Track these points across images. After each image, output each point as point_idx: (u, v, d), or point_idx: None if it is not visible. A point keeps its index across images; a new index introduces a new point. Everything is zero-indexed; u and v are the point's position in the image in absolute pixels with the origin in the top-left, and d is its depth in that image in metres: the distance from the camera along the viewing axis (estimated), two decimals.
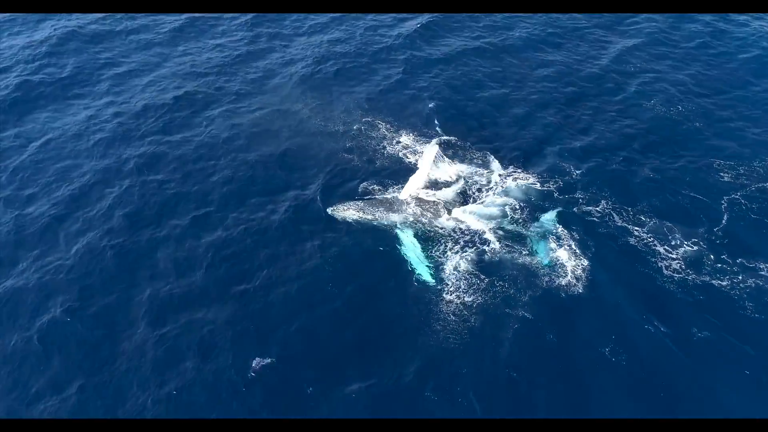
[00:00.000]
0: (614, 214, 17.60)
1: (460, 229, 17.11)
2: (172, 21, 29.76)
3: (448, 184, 18.97)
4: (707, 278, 15.60)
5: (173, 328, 14.78)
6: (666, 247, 16.49)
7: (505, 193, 18.47)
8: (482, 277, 15.57)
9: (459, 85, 24.39)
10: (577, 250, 16.29)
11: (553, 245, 16.47)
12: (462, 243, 16.65)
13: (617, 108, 22.90)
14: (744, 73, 24.87)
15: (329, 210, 17.79)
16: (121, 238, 17.39)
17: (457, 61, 25.95)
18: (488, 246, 16.49)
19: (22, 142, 21.87)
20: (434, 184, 18.94)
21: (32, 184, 19.83)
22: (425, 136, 21.35)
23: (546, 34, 27.90)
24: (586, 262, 15.94)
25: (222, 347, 14.34)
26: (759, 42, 26.97)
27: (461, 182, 18.99)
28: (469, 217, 17.40)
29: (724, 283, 15.45)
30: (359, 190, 18.82)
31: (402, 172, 19.47)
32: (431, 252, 16.38)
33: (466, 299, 14.99)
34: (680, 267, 15.90)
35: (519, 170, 19.55)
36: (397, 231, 17.04)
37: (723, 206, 17.92)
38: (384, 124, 22.10)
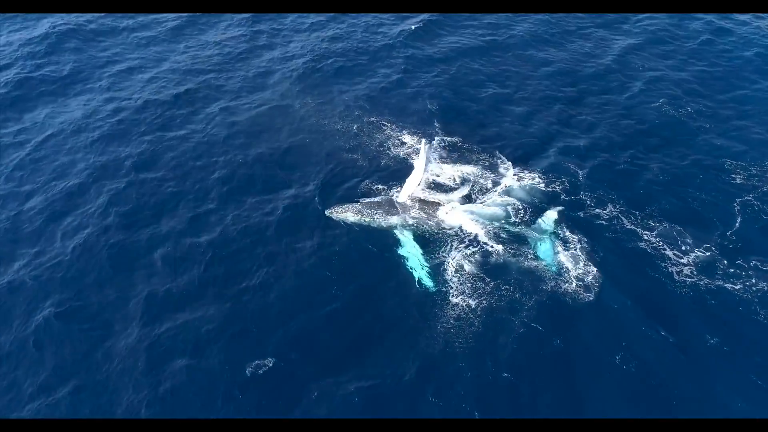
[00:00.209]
0: (622, 218, 17.10)
1: (463, 230, 16.71)
2: (172, 18, 29.66)
3: (449, 185, 18.56)
4: (720, 283, 15.11)
5: (170, 327, 14.57)
6: (676, 251, 15.97)
7: (509, 193, 18.05)
8: (487, 280, 15.19)
9: (460, 84, 24.06)
10: (585, 255, 15.82)
11: (559, 249, 16.03)
12: (465, 245, 16.25)
13: (621, 107, 22.48)
14: (748, 72, 24.44)
15: (327, 212, 17.50)
16: (117, 236, 17.21)
17: (458, 60, 25.62)
18: (492, 248, 16.09)
19: (21, 138, 21.78)
20: (435, 185, 18.51)
21: (30, 181, 19.71)
22: (426, 135, 20.96)
23: (548, 33, 27.55)
24: (594, 268, 15.46)
25: (220, 347, 14.13)
26: (761, 40, 26.54)
27: (463, 183, 18.57)
28: (472, 218, 16.98)
29: (737, 287, 14.95)
30: (358, 191, 18.51)
31: (402, 172, 19.13)
32: (434, 254, 16.04)
33: (470, 302, 14.62)
34: (692, 272, 15.39)
35: (523, 170, 19.13)
36: (397, 233, 16.71)
37: (736, 208, 17.39)
38: (384, 123, 21.79)
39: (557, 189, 18.27)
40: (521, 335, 13.96)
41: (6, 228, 17.90)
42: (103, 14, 29.63)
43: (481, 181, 18.64)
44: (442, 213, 17.16)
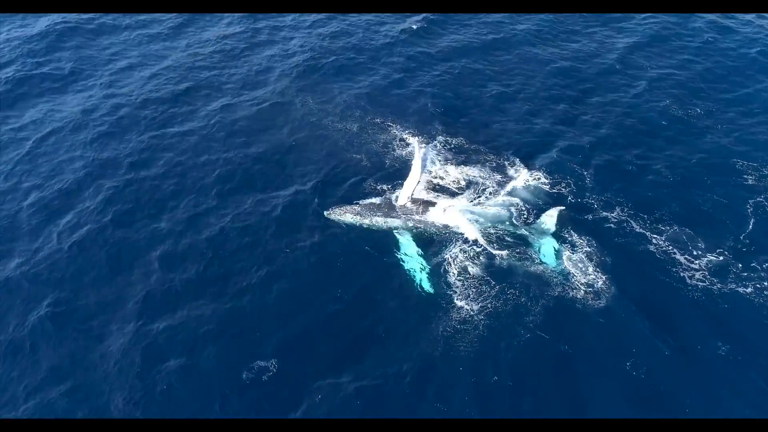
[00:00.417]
0: (631, 221, 16.65)
1: (466, 232, 16.30)
2: (173, 17, 29.43)
3: (453, 187, 18.16)
4: (733, 286, 14.68)
5: (167, 327, 14.42)
6: (687, 256, 15.51)
7: (513, 194, 17.67)
8: (492, 283, 14.87)
9: (462, 83, 23.70)
10: (593, 260, 15.40)
11: (567, 253, 15.62)
12: (467, 247, 15.88)
13: (626, 107, 22.04)
14: (753, 71, 24.00)
15: (326, 213, 17.21)
16: (115, 235, 17.08)
17: (460, 59, 25.25)
18: (495, 250, 15.74)
19: (21, 136, 21.65)
20: (439, 187, 18.14)
21: (29, 179, 19.62)
22: (427, 135, 20.62)
23: (550, 32, 27.15)
24: (602, 274, 15.03)
25: (218, 347, 13.97)
26: (766, 39, 26.09)
27: (468, 184, 18.19)
28: (475, 219, 16.60)
29: (748, 291, 14.54)
30: (358, 192, 18.18)
31: (403, 173, 18.79)
32: (436, 256, 15.71)
33: (473, 306, 14.29)
34: (703, 277, 14.96)
35: (527, 171, 18.73)
36: (397, 235, 16.42)
37: (749, 210, 16.97)
38: (385, 123, 21.46)
39: (563, 191, 17.87)
40: (525, 340, 13.64)
41: (4, 226, 17.78)
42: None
43: (485, 182, 18.25)
44: (443, 215, 16.77)
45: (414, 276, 15.16)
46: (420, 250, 15.89)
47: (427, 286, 14.86)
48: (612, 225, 16.58)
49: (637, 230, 16.36)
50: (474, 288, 14.71)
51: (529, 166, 18.92)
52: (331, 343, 13.92)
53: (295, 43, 26.88)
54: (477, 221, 16.55)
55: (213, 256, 16.16)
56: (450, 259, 15.53)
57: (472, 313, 14.14)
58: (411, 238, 16.25)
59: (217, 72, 25.02)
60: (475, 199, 17.57)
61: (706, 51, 25.31)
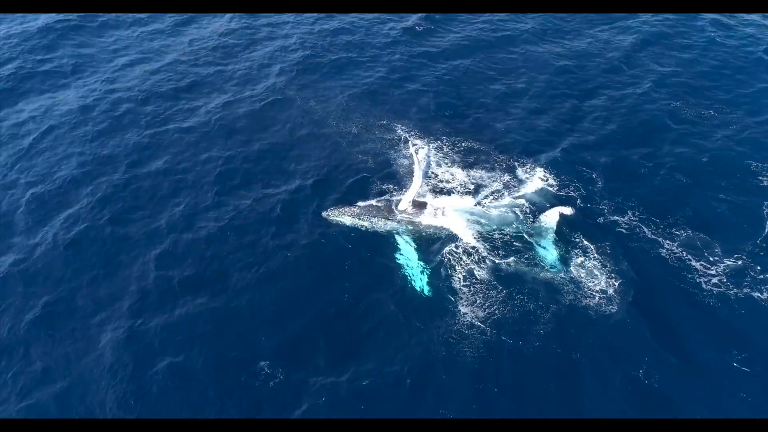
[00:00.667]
0: (643, 226, 16.21)
1: (469, 235, 15.94)
2: (174, 14, 29.24)
3: (455, 188, 17.74)
4: (748, 291, 14.23)
5: (163, 326, 14.24)
6: (703, 262, 15.05)
7: (519, 197, 17.27)
8: (494, 284, 14.59)
9: (465, 83, 23.45)
10: (606, 266, 14.96)
11: (580, 259, 15.18)
12: (470, 250, 15.49)
13: (633, 108, 21.71)
14: (759, 70, 23.67)
15: (324, 214, 16.93)
16: (111, 232, 16.96)
17: (462, 58, 25.01)
18: (499, 253, 15.36)
19: (20, 131, 21.59)
20: (444, 190, 17.73)
21: (27, 174, 19.68)
22: (430, 134, 20.28)
23: (553, 31, 26.97)
24: (615, 280, 14.62)
25: (215, 347, 13.78)
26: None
27: (470, 186, 17.77)
28: (479, 222, 16.22)
29: (764, 297, 14.07)
30: (357, 192, 17.89)
31: (403, 174, 18.50)
32: (437, 259, 15.34)
33: (479, 314, 13.92)
34: (720, 282, 14.51)
35: (533, 173, 18.35)
36: (397, 238, 16.09)
37: (765, 212, 16.50)
38: (386, 122, 21.16)
39: (572, 194, 17.45)
40: (539, 348, 13.29)
41: (0, 223, 17.66)
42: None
43: (491, 183, 17.86)
44: (445, 217, 16.38)
45: (414, 279, 14.88)
46: (420, 253, 15.59)
47: (426, 289, 14.57)
48: (624, 230, 16.14)
49: (650, 236, 15.92)
50: (481, 294, 14.37)
51: (536, 168, 18.53)
52: (330, 344, 13.72)
53: (296, 41, 26.56)
54: (481, 224, 16.17)
55: (210, 255, 16.07)
56: (451, 261, 15.19)
57: (474, 317, 13.86)
58: (411, 241, 15.92)
59: (218, 69, 24.85)
60: (480, 201, 17.16)
61: (711, 50, 25.02)
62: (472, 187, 17.78)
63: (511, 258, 15.24)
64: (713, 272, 14.81)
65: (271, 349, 13.64)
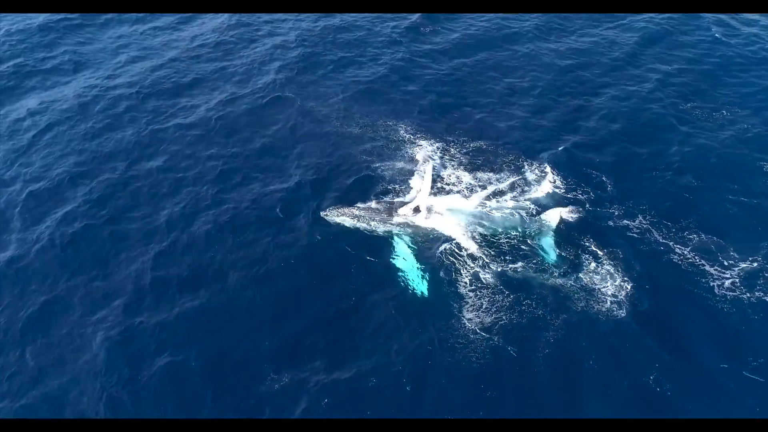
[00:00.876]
0: (654, 230, 15.83)
1: (474, 238, 15.59)
2: None
3: (457, 190, 17.40)
4: (760, 295, 13.90)
5: (160, 325, 14.08)
6: (716, 266, 14.68)
7: (525, 199, 16.92)
8: (507, 292, 14.15)
9: (468, 82, 23.15)
10: (618, 271, 14.58)
11: (593, 265, 14.80)
12: (477, 254, 15.14)
13: (637, 106, 21.37)
14: (764, 69, 23.43)
15: (322, 214, 16.61)
16: (109, 230, 16.78)
17: (464, 57, 24.74)
18: (507, 258, 15.01)
19: (19, 127, 21.45)
20: (445, 190, 17.38)
21: (26, 171, 19.25)
22: (431, 133, 20.02)
23: (556, 30, 26.66)
24: (627, 284, 14.25)
25: (214, 347, 13.61)
26: None
27: (475, 187, 17.44)
28: (482, 224, 15.87)
29: None
30: (358, 192, 17.51)
31: (404, 174, 18.19)
32: (437, 261, 15.01)
33: (485, 319, 13.54)
34: (734, 285, 14.15)
35: (540, 174, 18.01)
36: (397, 241, 15.74)
37: None
38: (387, 121, 20.87)
39: (579, 196, 17.10)
40: (538, 350, 13.00)
41: None
42: None
43: (496, 185, 17.50)
44: (449, 220, 16.01)
45: (414, 282, 14.59)
46: (420, 256, 15.26)
47: (428, 293, 14.26)
48: (635, 234, 15.77)
49: (661, 240, 15.55)
50: (486, 298, 14.01)
51: (542, 169, 18.19)
52: (330, 345, 13.48)
53: (297, 40, 26.30)
54: (485, 227, 15.82)
55: (207, 254, 15.80)
56: (455, 265, 14.84)
57: (479, 322, 13.50)
58: (411, 243, 15.59)
59: (218, 67, 24.63)
60: (485, 203, 16.80)
61: (716, 49, 24.80)
62: (478, 189, 17.43)
63: (519, 263, 14.89)
64: (727, 276, 14.44)
65: (270, 349, 13.40)
